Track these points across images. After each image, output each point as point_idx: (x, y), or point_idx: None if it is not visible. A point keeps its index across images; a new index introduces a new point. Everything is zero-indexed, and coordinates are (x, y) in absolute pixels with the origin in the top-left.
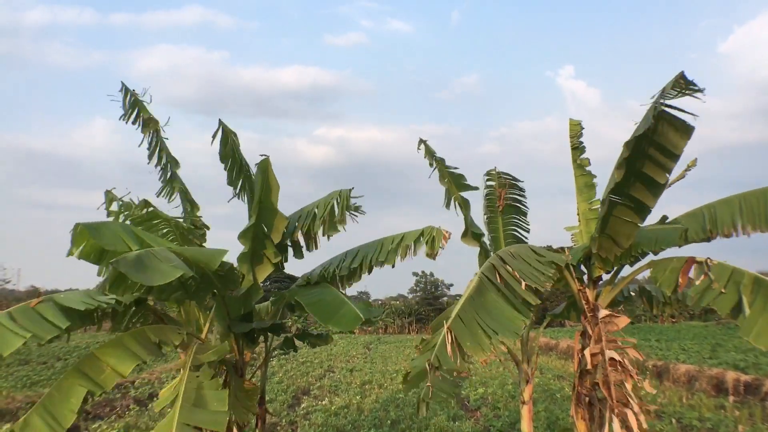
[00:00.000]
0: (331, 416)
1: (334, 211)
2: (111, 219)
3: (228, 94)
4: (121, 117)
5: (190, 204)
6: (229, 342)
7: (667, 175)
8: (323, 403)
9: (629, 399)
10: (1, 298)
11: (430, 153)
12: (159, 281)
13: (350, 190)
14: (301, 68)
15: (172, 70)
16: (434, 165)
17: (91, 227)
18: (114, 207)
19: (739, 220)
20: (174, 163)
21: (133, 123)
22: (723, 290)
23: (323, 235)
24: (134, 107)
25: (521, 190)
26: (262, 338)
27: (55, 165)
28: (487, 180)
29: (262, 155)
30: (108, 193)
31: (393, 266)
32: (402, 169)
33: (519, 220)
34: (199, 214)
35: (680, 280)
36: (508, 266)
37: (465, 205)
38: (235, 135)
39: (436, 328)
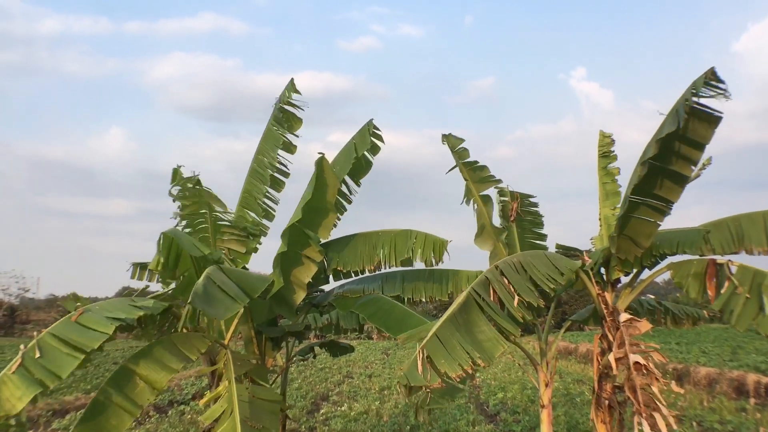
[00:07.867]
0: (350, 422)
1: (406, 250)
2: (175, 202)
3: (241, 100)
4: (274, 103)
5: (261, 210)
6: (252, 347)
7: (693, 167)
8: (342, 409)
9: (657, 403)
10: (21, 306)
11: (452, 146)
12: (225, 315)
13: (448, 242)
14: (314, 73)
15: (186, 78)
16: (457, 161)
17: (176, 234)
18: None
19: (765, 237)
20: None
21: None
22: (747, 295)
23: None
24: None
25: (533, 205)
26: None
27: (71, 173)
28: (500, 195)
29: (319, 153)
30: (175, 171)
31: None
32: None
33: (535, 230)
34: (266, 221)
35: (709, 292)
36: (505, 279)
37: (485, 202)
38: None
39: (406, 341)
